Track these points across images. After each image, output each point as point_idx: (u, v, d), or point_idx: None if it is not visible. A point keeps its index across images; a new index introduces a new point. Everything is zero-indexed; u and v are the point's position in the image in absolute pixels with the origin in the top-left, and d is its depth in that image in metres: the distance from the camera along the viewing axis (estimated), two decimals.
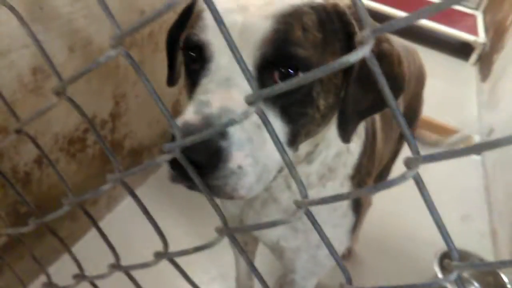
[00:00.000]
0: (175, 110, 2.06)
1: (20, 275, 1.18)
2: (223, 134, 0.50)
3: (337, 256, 0.41)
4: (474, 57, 4.08)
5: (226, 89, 0.54)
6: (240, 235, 1.23)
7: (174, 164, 0.48)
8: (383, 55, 0.64)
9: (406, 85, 0.68)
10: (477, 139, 2.94)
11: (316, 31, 0.60)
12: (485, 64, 3.86)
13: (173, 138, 0.45)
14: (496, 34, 3.88)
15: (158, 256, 0.53)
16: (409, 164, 0.32)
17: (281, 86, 0.33)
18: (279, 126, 0.59)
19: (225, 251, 1.39)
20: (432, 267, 1.80)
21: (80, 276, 0.74)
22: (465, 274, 1.97)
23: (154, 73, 1.74)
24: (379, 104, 0.65)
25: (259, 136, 0.54)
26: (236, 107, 0.52)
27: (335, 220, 0.90)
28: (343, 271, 0.39)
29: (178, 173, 0.50)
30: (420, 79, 1.45)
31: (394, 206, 1.97)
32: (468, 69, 4.02)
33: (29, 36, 0.56)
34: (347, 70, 0.62)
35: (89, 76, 1.40)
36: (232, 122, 0.36)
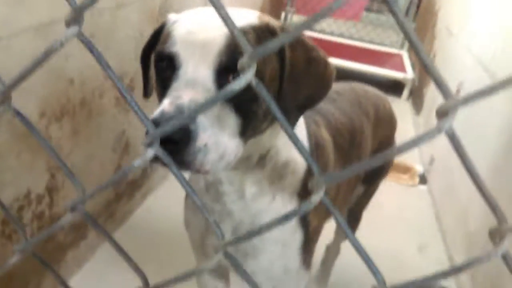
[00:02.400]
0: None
1: None
2: (192, 120, 0.65)
3: None
4: (406, 93, 4.30)
5: (193, 88, 0.70)
6: (211, 279, 1.28)
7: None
8: (312, 60, 0.81)
9: (332, 84, 0.84)
10: (420, 169, 3.04)
11: (256, 44, 0.76)
12: (417, 98, 4.07)
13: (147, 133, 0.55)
14: (422, 69, 4.13)
15: None
16: (497, 237, 0.29)
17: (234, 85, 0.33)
18: (234, 118, 0.73)
19: None
20: None
21: None
22: None
23: (91, 140, 1.71)
24: (312, 99, 0.82)
25: (219, 125, 0.70)
26: (201, 99, 0.68)
27: (284, 238, 0.98)
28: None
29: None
30: (391, 123, 1.61)
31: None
32: (402, 104, 4.21)
33: None
34: (283, 71, 0.78)
35: (19, 149, 1.34)
36: (200, 108, 0.38)
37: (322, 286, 1.96)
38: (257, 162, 0.90)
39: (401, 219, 2.53)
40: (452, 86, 2.90)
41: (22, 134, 1.33)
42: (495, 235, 0.30)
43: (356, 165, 0.30)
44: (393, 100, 4.37)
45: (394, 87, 4.40)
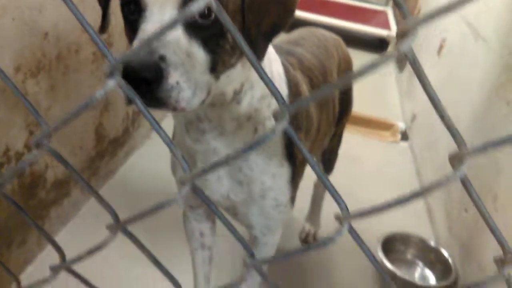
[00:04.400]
0: (98, 133, 1.98)
1: None
2: (162, 58, 0.66)
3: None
4: (390, 50, 4.29)
5: (160, 25, 0.69)
6: (197, 223, 1.33)
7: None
8: None
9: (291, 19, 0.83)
10: (402, 126, 3.07)
11: None
12: (400, 55, 4.05)
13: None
14: None
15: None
16: (456, 160, 0.30)
17: None
18: (203, 55, 0.75)
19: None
20: (376, 252, 1.85)
21: None
22: (409, 256, 2.03)
23: (68, 96, 1.68)
24: (277, 26, 0.81)
25: (189, 62, 0.71)
26: (169, 38, 0.69)
27: (273, 169, 1.04)
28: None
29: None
30: (348, 62, 1.65)
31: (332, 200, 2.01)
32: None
33: None
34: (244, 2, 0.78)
35: None
36: (161, 31, 0.38)
37: (315, 224, 2.03)
38: (232, 98, 0.92)
39: (382, 174, 2.58)
40: (436, 42, 2.90)
41: None
42: (454, 160, 0.31)
43: (322, 89, 0.30)
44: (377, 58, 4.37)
45: (378, 44, 4.38)
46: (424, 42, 3.26)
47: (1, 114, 1.35)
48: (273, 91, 0.31)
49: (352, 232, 0.34)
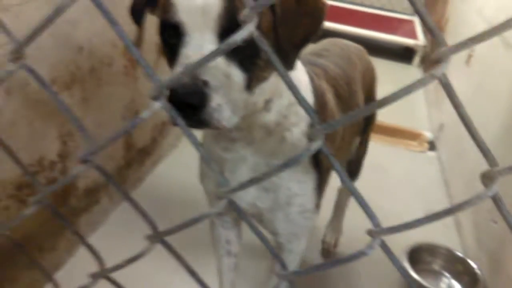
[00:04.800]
0: (127, 142, 2.03)
1: None
2: (205, 84, 0.70)
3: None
4: (417, 59, 4.25)
5: (201, 52, 0.73)
6: (224, 230, 1.35)
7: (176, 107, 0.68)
8: (300, 0, 0.84)
9: (324, 17, 0.86)
10: (429, 136, 3.03)
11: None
12: (428, 64, 4.02)
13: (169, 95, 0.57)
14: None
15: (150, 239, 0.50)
16: (487, 179, 0.31)
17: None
18: (239, 74, 0.78)
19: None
20: (402, 263, 1.83)
21: None
22: (435, 267, 2.00)
23: (101, 108, 1.73)
24: (308, 36, 0.84)
25: (228, 83, 0.75)
26: (210, 62, 0.69)
27: (299, 176, 1.06)
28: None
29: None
30: (373, 72, 1.67)
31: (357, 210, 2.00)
32: (413, 71, 4.17)
33: None
34: (276, 18, 0.81)
35: (31, 118, 1.37)
36: (205, 59, 0.41)
37: (336, 231, 2.02)
38: (263, 107, 0.95)
39: (409, 184, 2.55)
40: (465, 52, 2.87)
41: (34, 102, 1.36)
42: (487, 178, 0.32)
43: (351, 113, 0.31)
44: (404, 67, 4.34)
45: (405, 54, 4.35)
46: None
47: (36, 125, 1.40)
48: (307, 110, 0.33)
49: (384, 247, 0.35)
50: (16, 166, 1.33)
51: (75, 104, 1.57)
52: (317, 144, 0.33)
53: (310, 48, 1.53)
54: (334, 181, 1.56)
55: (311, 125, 1.07)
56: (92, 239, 1.87)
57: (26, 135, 1.38)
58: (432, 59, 0.30)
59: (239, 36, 0.30)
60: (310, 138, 0.33)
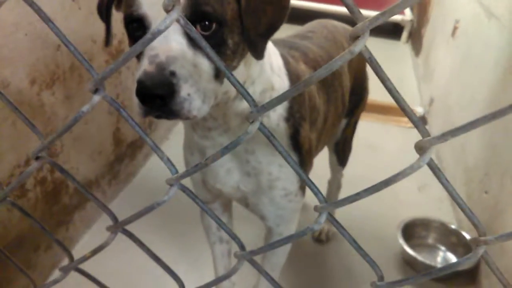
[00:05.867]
0: (116, 137, 2.03)
1: None
2: (173, 74, 0.70)
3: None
4: (405, 35, 4.24)
5: (166, 44, 0.73)
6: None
7: (143, 101, 0.71)
8: None
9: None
10: (420, 111, 3.04)
11: None
12: (416, 39, 4.00)
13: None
14: (420, 10, 4.04)
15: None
16: (420, 149, 0.32)
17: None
18: (207, 64, 0.79)
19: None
20: (397, 239, 1.85)
21: None
22: (430, 241, 2.02)
23: (84, 105, 1.72)
24: (273, 25, 0.85)
25: (196, 73, 0.75)
26: (176, 53, 0.73)
27: (279, 160, 1.07)
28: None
29: (147, 109, 0.73)
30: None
31: (351, 189, 2.01)
32: (401, 47, 4.16)
33: None
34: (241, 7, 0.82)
35: (13, 119, 1.37)
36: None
37: (329, 223, 2.02)
38: (236, 95, 0.96)
39: (401, 160, 2.54)
40: (450, 24, 2.86)
41: (15, 103, 1.36)
42: (420, 149, 0.32)
43: (292, 87, 0.31)
44: (393, 43, 4.32)
45: (393, 30, 4.33)
46: (438, 25, 3.21)
47: (19, 127, 1.41)
48: (244, 95, 0.33)
49: (332, 220, 0.36)
50: (1, 167, 1.34)
51: (58, 103, 1.57)
52: (254, 126, 0.33)
53: (296, 30, 1.53)
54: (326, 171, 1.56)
55: (292, 100, 1.08)
56: (88, 235, 1.89)
57: (10, 137, 1.38)
58: (351, 35, 0.30)
59: (161, 25, 0.30)
60: (248, 119, 0.33)
